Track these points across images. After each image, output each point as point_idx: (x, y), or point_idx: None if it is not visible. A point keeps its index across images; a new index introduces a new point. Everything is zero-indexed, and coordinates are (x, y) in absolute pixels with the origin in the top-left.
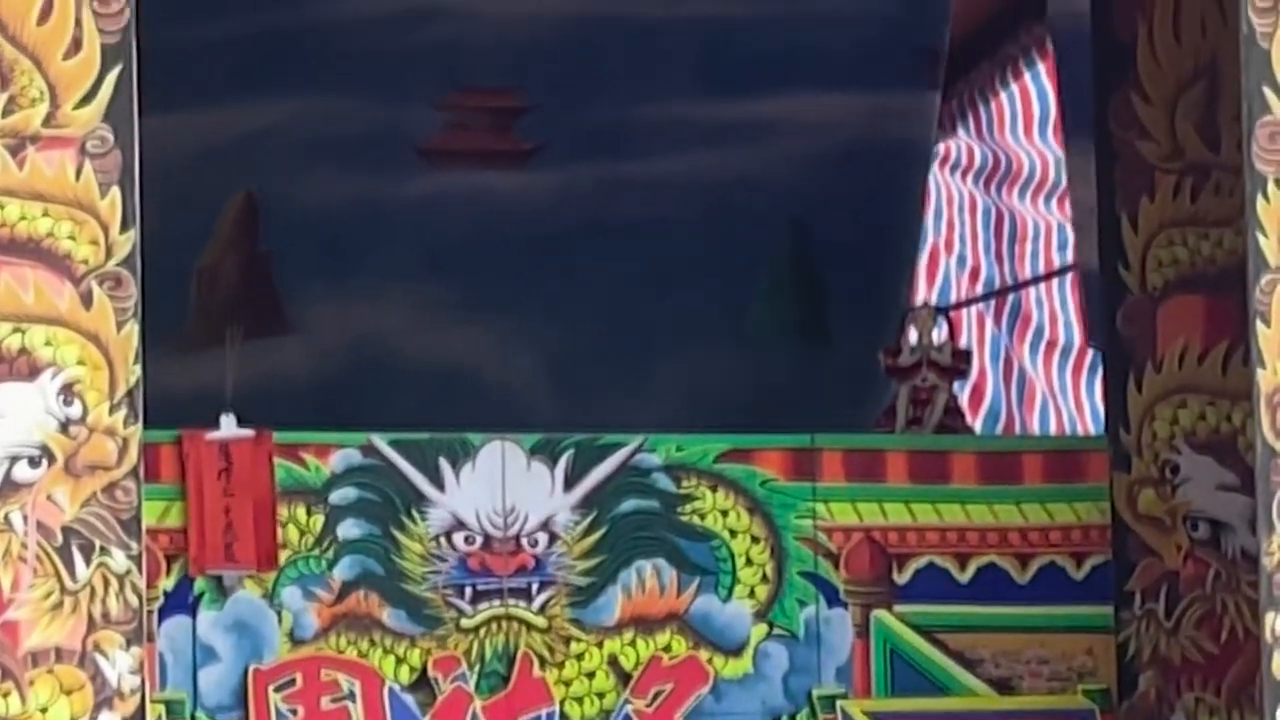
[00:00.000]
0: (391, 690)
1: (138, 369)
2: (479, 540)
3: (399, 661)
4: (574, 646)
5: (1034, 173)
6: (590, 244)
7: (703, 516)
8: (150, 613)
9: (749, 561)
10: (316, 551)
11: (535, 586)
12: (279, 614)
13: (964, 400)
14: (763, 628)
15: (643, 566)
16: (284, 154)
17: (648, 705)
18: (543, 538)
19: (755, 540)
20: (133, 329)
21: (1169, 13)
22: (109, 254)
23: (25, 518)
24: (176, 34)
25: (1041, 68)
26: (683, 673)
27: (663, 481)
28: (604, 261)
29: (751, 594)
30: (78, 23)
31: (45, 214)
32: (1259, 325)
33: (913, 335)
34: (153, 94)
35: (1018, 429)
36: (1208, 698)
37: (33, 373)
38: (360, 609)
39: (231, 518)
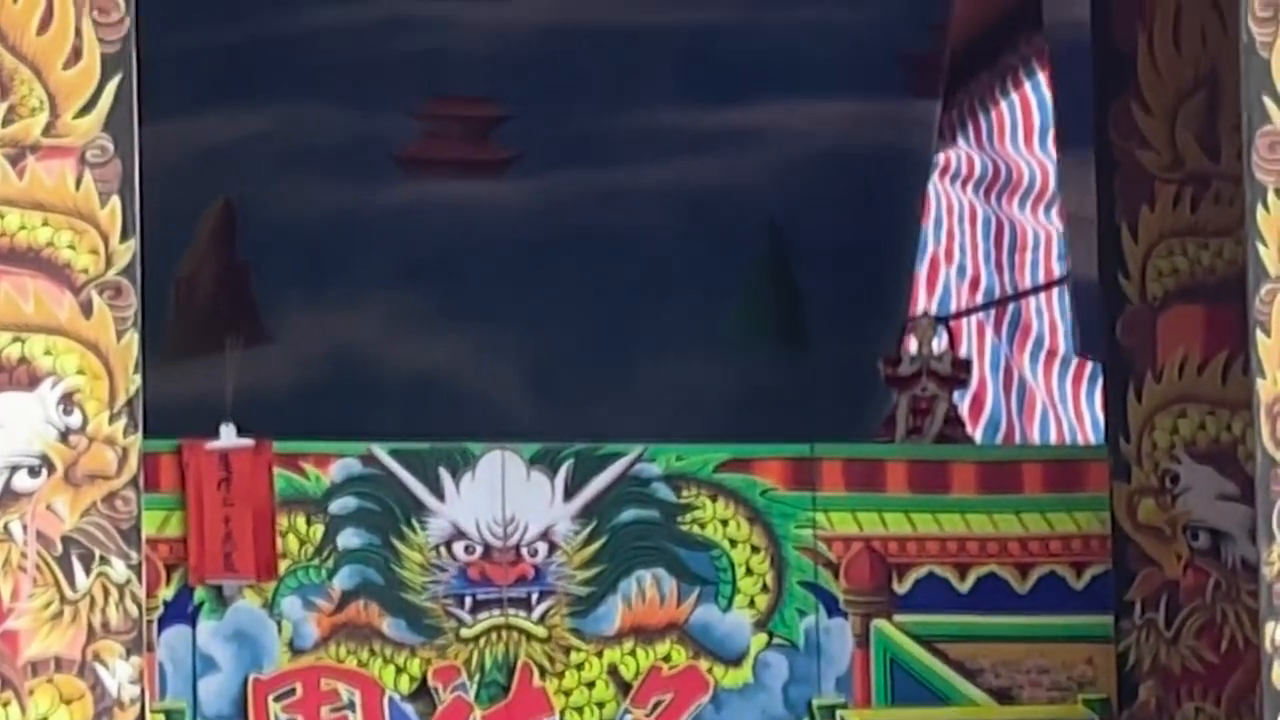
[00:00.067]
0: (391, 700)
1: (137, 378)
2: (479, 550)
3: (399, 671)
4: (574, 656)
5: (1034, 182)
6: (569, 252)
7: (703, 526)
8: (150, 622)
9: (749, 571)
10: (316, 561)
11: (535, 596)
12: (279, 623)
13: (964, 410)
14: (763, 637)
15: (643, 576)
16: (261, 163)
17: (648, 715)
18: (543, 547)
19: (755, 550)
20: (132, 338)
21: (1169, 22)
22: (109, 263)
23: (25, 527)
24: (153, 43)
25: (1041, 77)
26: (683, 682)
27: (663, 491)
28: (583, 269)
29: (751, 604)
30: (78, 32)
31: (45, 223)
32: (1259, 335)
33: (912, 345)
34: None
35: (1018, 439)
36: (1208, 707)
37: (32, 382)
38: (360, 619)
39: (231, 527)
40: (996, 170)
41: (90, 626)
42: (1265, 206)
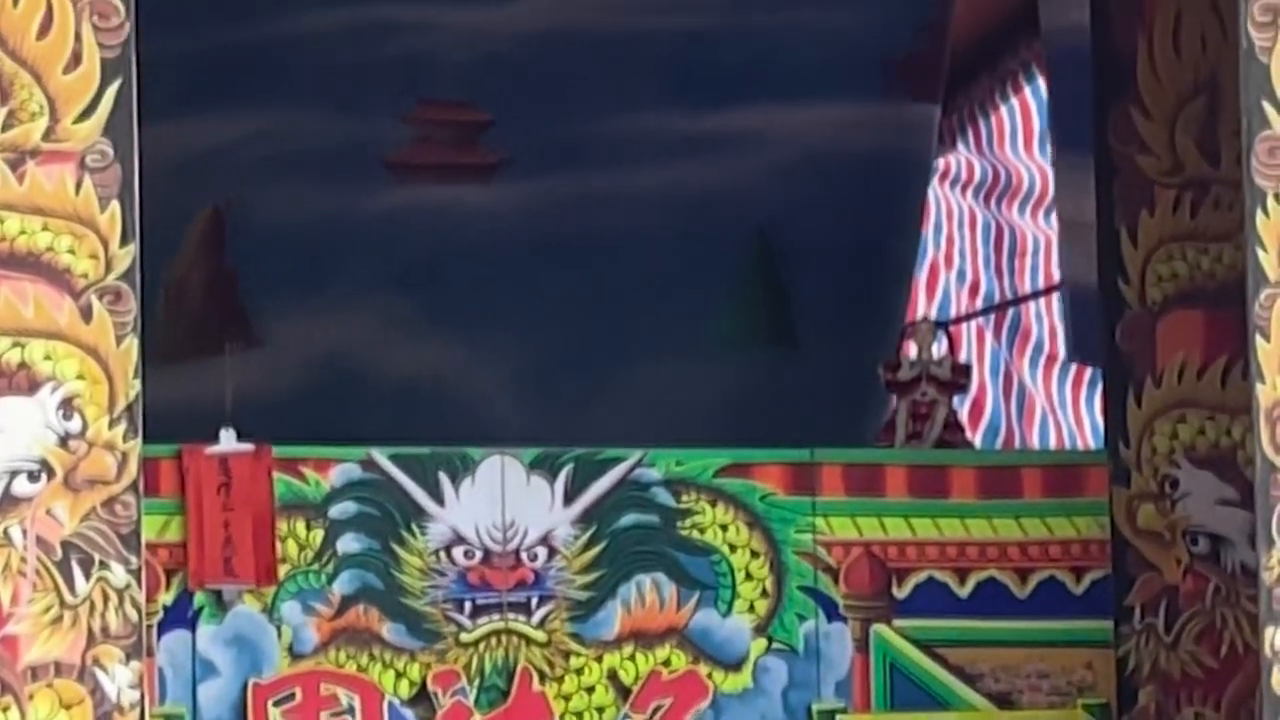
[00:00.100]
0: (391, 704)
1: (137, 383)
2: (479, 555)
3: (398, 676)
4: (573, 661)
5: (1033, 187)
6: (558, 256)
7: (702, 531)
8: (150, 627)
9: (749, 576)
10: (316, 566)
11: (535, 601)
12: (278, 628)
13: (964, 415)
14: (762, 642)
15: (642, 581)
16: (250, 167)
17: (647, 719)
18: (542, 552)
19: (755, 555)
20: (132, 343)
21: (1169, 27)
22: (108, 268)
23: (25, 532)
24: (141, 48)
25: (1041, 82)
26: (682, 687)
27: (662, 496)
28: (572, 273)
29: (751, 609)
30: (77, 37)
31: (45, 228)
32: (1258, 340)
33: (912, 350)
34: None
35: (1017, 443)
36: (1207, 712)
37: (32, 387)
38: (360, 623)
39: (231, 532)
40: (996, 175)
41: (90, 631)
42: (1265, 211)
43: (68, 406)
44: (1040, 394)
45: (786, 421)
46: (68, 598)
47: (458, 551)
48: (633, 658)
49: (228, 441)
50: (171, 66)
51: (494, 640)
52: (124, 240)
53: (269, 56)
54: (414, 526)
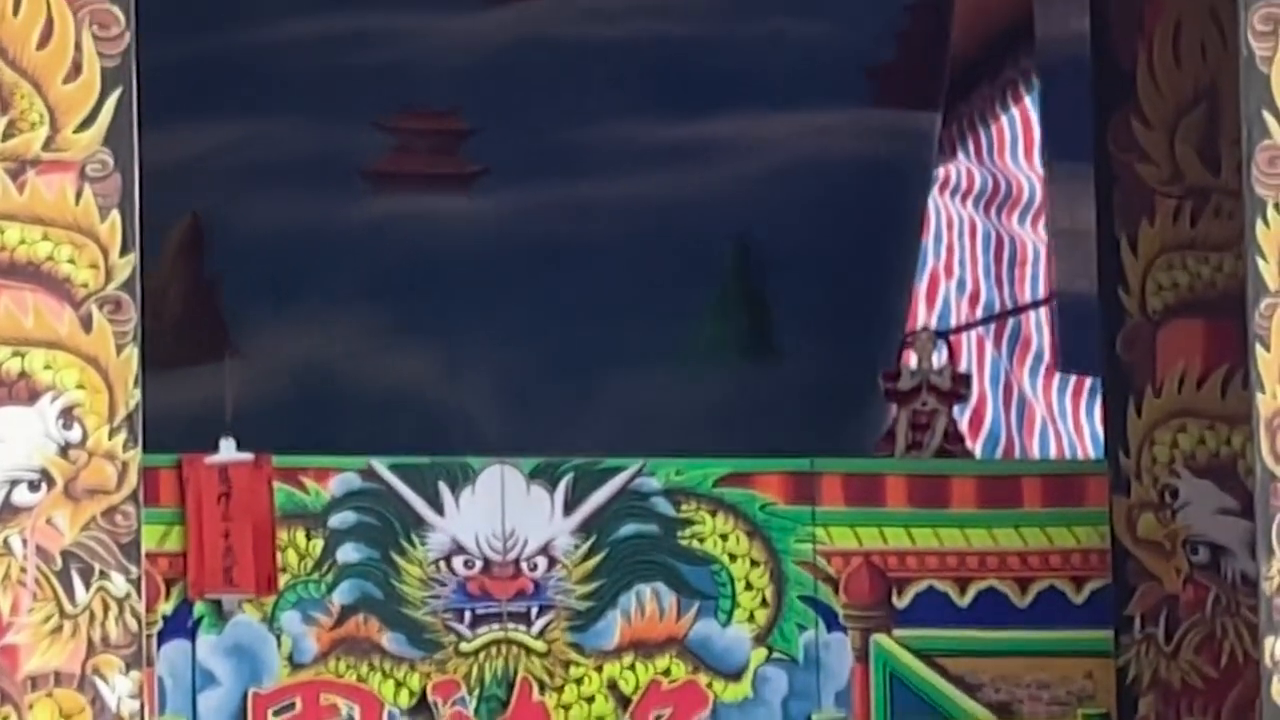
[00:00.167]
0: (391, 714)
1: (137, 393)
2: (478, 564)
3: (398, 685)
4: (573, 670)
5: (1034, 197)
6: (538, 266)
7: (702, 540)
8: (149, 637)
9: (748, 586)
10: (316, 575)
11: (535, 610)
12: (278, 638)
13: (964, 424)
14: (762, 652)
15: (642, 590)
16: (228, 177)
17: None
18: (542, 562)
19: (755, 564)
20: (132, 353)
21: (1169, 36)
22: (109, 277)
23: (25, 541)
24: None
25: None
26: (682, 697)
27: (662, 505)
28: (552, 283)
29: (751, 618)
30: (78, 46)
31: (45, 238)
32: (1258, 349)
33: (912, 360)
34: None
35: (1017, 453)
36: None
37: (32, 397)
38: (360, 633)
39: (231, 542)
40: (996, 185)
41: (90, 641)
42: (1265, 221)
43: (68, 416)
44: (1040, 404)
45: (768, 430)
46: (67, 607)
47: (458, 561)
48: (632, 667)
49: (228, 451)
50: (148, 75)
51: (494, 650)
52: (124, 250)
53: (246, 65)
54: (414, 536)
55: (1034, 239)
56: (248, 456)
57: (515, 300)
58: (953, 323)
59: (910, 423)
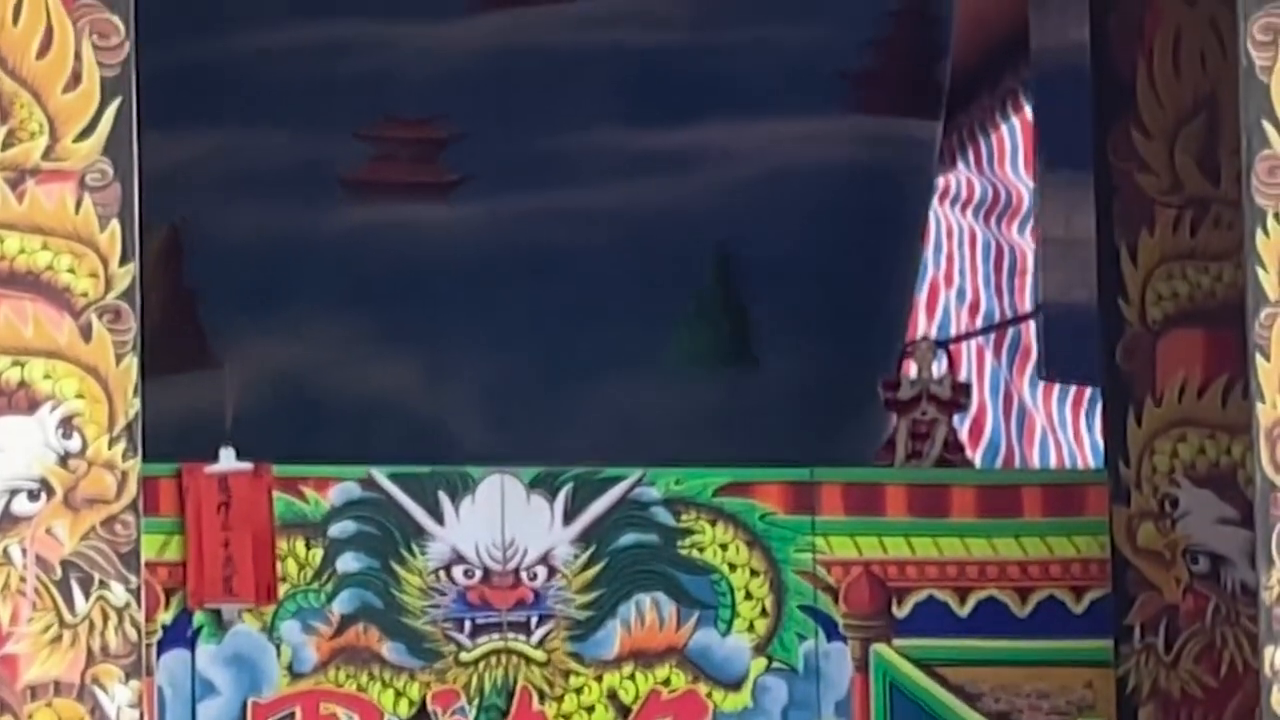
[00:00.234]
0: None
1: (136, 402)
2: (478, 574)
3: (398, 695)
4: (573, 680)
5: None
6: (518, 275)
7: (702, 550)
8: (149, 646)
9: (748, 595)
10: (315, 585)
11: (534, 620)
12: (278, 647)
13: (964, 434)
14: (762, 661)
15: (642, 600)
16: (207, 187)
17: None
18: (542, 571)
19: (755, 574)
20: (132, 362)
21: (1168, 46)
22: (108, 287)
23: (24, 551)
24: None
25: None
26: (682, 706)
27: (662, 515)
28: (532, 292)
29: (751, 628)
30: (77, 56)
31: (45, 247)
32: (1258, 359)
33: (912, 369)
34: None
35: (1017, 463)
36: None
37: (32, 406)
38: (359, 642)
39: (230, 551)
40: (996, 194)
41: (89, 650)
42: (1265, 231)
43: (67, 425)
44: (1040, 413)
45: (751, 438)
46: (67, 617)
47: (457, 571)
48: (632, 677)
49: (227, 460)
50: None
51: (494, 659)
52: (124, 259)
53: (225, 75)
54: (414, 545)
55: (1034, 248)
56: (247, 466)
57: (496, 308)
58: (953, 332)
59: (910, 432)
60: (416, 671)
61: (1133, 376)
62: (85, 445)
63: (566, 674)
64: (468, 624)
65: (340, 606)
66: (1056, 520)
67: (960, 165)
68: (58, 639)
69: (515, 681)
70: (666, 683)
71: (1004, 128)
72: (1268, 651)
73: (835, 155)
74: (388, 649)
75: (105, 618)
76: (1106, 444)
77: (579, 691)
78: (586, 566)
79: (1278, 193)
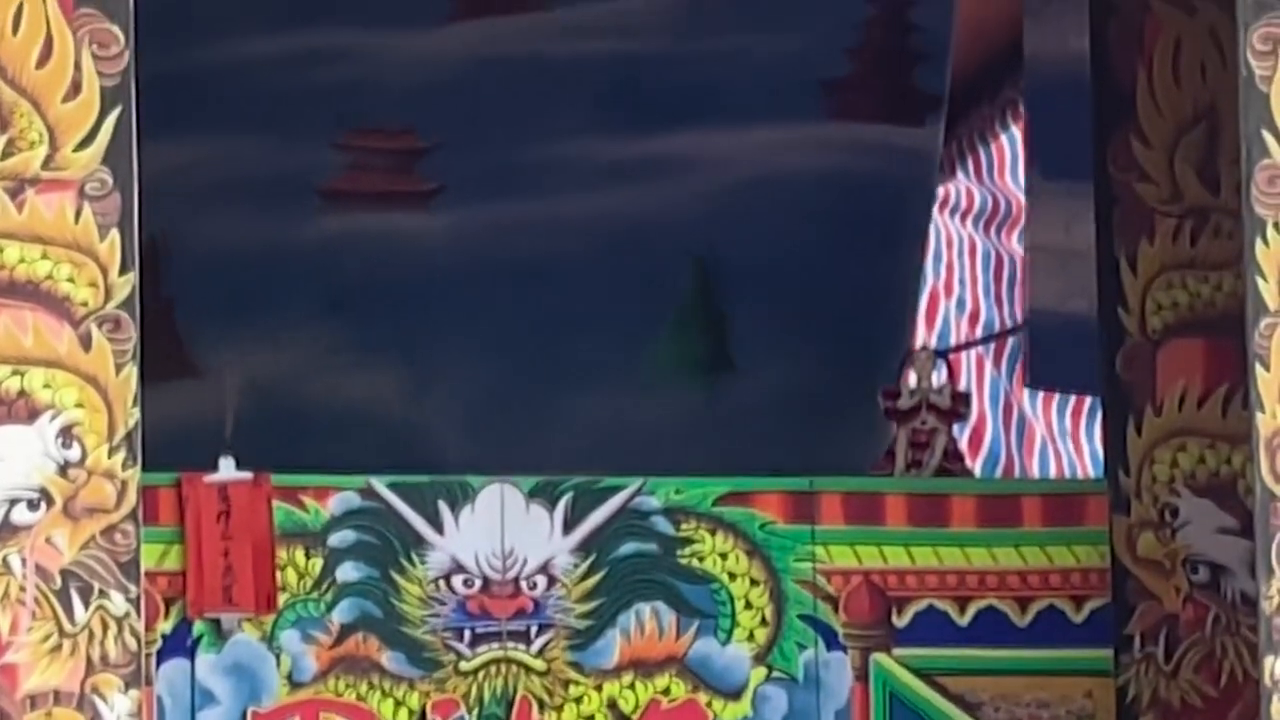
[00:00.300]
0: None
1: (136, 411)
2: (478, 583)
3: (398, 704)
4: (573, 689)
5: None
6: (495, 284)
7: (702, 559)
8: (149, 655)
9: (748, 605)
10: (315, 594)
11: (534, 629)
12: (277, 657)
13: (963, 443)
14: (762, 671)
15: (642, 609)
16: (183, 197)
17: None
18: (542, 580)
19: (754, 583)
20: (131, 371)
21: (1168, 56)
22: (108, 296)
23: (24, 560)
24: None
25: None
26: (682, 715)
27: (662, 524)
28: (509, 301)
29: (751, 637)
30: (77, 65)
31: (44, 256)
32: (1258, 369)
33: (912, 378)
34: None
35: (1017, 472)
36: None
37: (31, 415)
38: (359, 652)
39: (230, 560)
40: (996, 204)
41: (89, 660)
42: (1264, 240)
43: (67, 435)
44: (1040, 423)
45: (732, 448)
46: (67, 626)
47: (457, 580)
48: (632, 686)
49: (227, 469)
50: None
51: (493, 669)
52: (123, 269)
53: (199, 84)
54: (413, 555)
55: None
56: (247, 475)
57: (475, 317)
58: (952, 341)
59: (910, 442)
60: (416, 681)
61: (1132, 386)
62: (85, 454)
63: (566, 683)
64: (467, 633)
65: (340, 616)
66: (1056, 530)
67: (960, 175)
68: (57, 648)
69: (515, 691)
70: (666, 692)
71: (1004, 137)
72: (1268, 661)
73: (814, 162)
74: (387, 658)
75: (105, 627)
76: (1106, 453)
77: (579, 701)
78: (586, 576)
79: (1277, 202)
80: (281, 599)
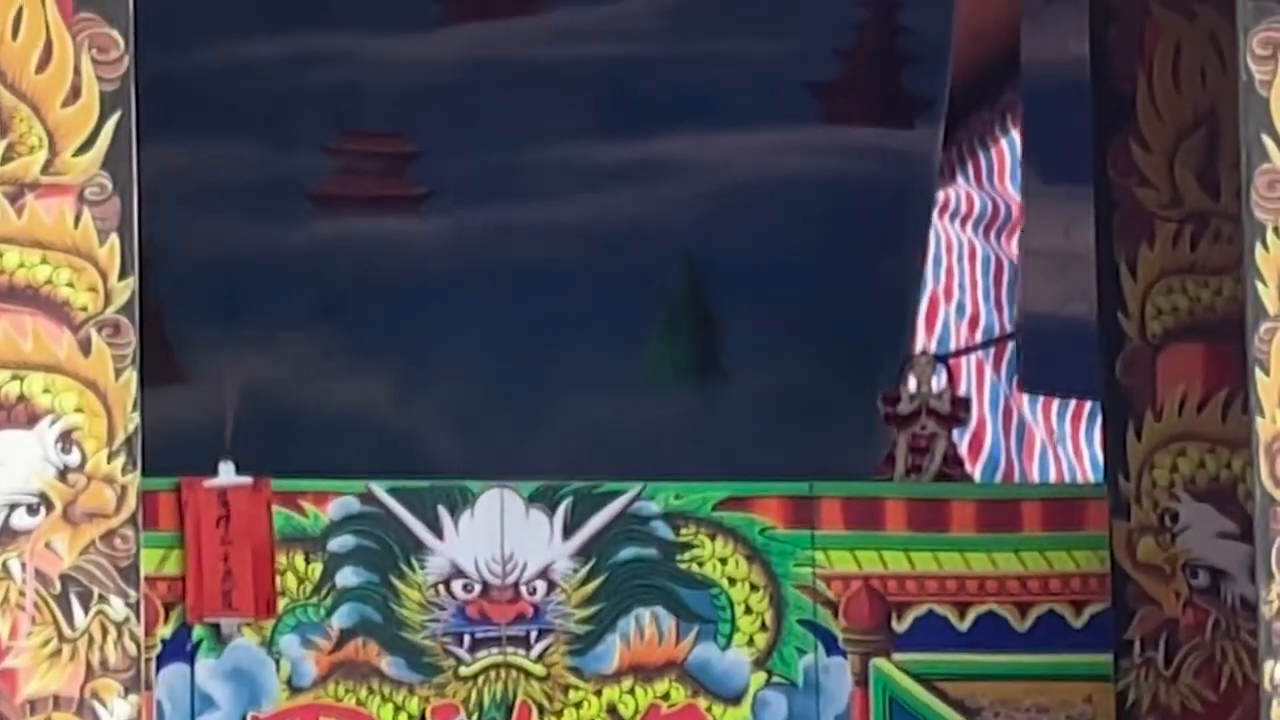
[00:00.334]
0: None
1: (136, 416)
2: (478, 588)
3: (397, 709)
4: (572, 695)
5: None
6: (486, 288)
7: (701, 564)
8: (148, 660)
9: (748, 610)
10: (315, 599)
11: (534, 634)
12: (277, 662)
13: (963, 448)
14: (761, 676)
15: (641, 614)
16: (173, 201)
17: None
18: (541, 585)
19: (754, 588)
20: (131, 376)
21: (1168, 61)
22: (107, 301)
23: (24, 565)
24: None
25: None
26: None
27: (661, 529)
28: (501, 305)
29: (750, 642)
30: (76, 70)
31: (44, 261)
32: (1258, 373)
33: (912, 383)
34: None
35: (1017, 477)
36: None
37: (31, 420)
38: (359, 657)
39: (230, 565)
40: (996, 208)
41: (89, 665)
42: (1264, 245)
43: (67, 440)
44: (1040, 428)
45: (723, 451)
46: (66, 631)
47: (456, 585)
48: (632, 691)
49: (227, 474)
50: None
51: (493, 674)
52: (123, 273)
53: (192, 88)
54: (413, 560)
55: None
56: (246, 480)
57: (466, 321)
58: (952, 346)
59: (910, 446)
60: (416, 686)
61: (1132, 391)
62: (84, 459)
63: (566, 688)
64: (467, 638)
65: (339, 621)
66: (1056, 535)
67: (960, 179)
68: (57, 653)
69: (514, 696)
70: (666, 697)
71: (1003, 142)
72: (1267, 666)
73: (808, 165)
74: (387, 663)
75: (104, 632)
76: (1106, 458)
77: (578, 706)
78: (586, 581)
79: (1277, 207)
80: (281, 604)
